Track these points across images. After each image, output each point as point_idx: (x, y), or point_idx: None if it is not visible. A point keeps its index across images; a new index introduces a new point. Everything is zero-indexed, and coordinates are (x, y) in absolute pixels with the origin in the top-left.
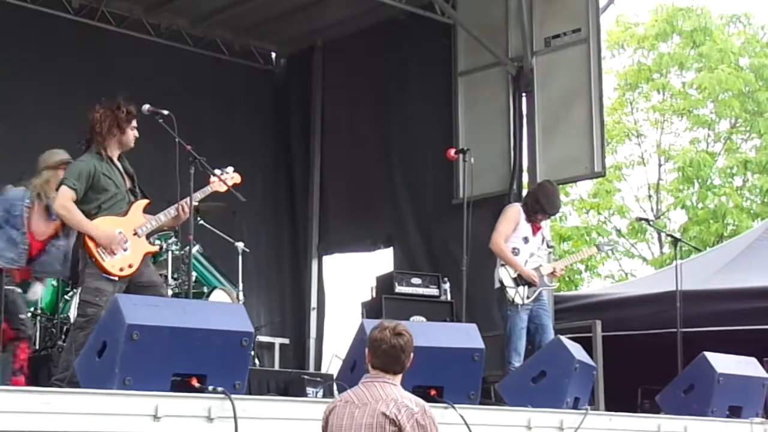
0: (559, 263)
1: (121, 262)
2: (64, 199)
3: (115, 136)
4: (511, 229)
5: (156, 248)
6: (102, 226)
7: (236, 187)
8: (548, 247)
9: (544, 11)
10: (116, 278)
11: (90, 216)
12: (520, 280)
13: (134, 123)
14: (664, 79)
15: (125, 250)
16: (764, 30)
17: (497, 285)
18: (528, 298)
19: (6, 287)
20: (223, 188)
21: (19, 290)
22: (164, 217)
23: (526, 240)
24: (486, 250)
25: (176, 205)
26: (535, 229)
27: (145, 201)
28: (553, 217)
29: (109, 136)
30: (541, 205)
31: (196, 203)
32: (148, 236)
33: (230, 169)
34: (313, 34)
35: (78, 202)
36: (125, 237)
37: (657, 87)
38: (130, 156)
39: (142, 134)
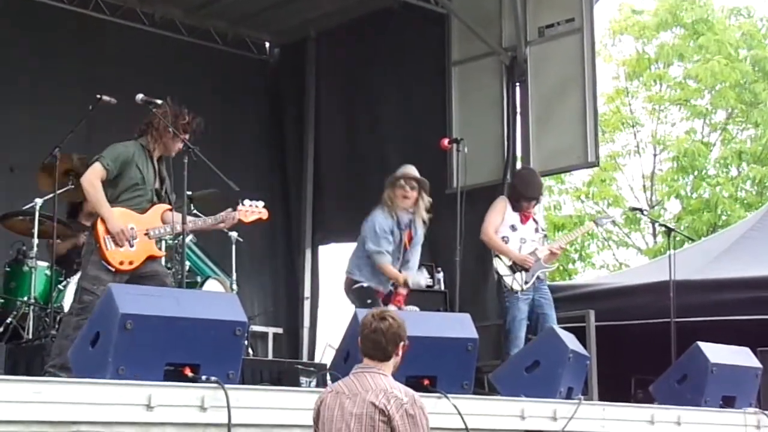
0: (556, 242)
1: (123, 255)
2: (94, 176)
3: (165, 137)
4: (499, 220)
5: (162, 254)
6: (118, 217)
7: (260, 222)
8: (542, 231)
9: (538, 1)
10: (113, 269)
11: (109, 200)
12: (516, 266)
13: (186, 136)
14: (661, 70)
15: (131, 246)
16: (763, 22)
17: (496, 277)
18: (526, 283)
19: None
20: (248, 219)
21: None
22: (179, 227)
23: (513, 228)
24: (480, 240)
25: (206, 218)
26: (524, 217)
27: (167, 206)
28: (546, 206)
29: (162, 133)
30: (518, 190)
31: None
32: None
33: (260, 203)
34: (306, 23)
35: (104, 183)
36: (135, 234)
37: (654, 77)
38: None
39: (136, 124)
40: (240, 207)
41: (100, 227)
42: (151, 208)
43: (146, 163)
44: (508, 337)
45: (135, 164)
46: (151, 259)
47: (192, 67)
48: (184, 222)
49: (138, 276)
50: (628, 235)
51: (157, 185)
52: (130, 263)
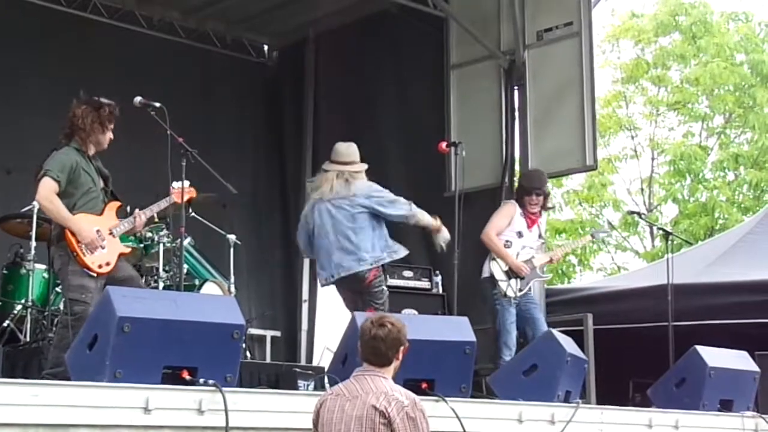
0: (553, 252)
1: (100, 259)
2: (49, 192)
3: (95, 134)
4: (505, 224)
5: (129, 250)
6: (83, 223)
7: (192, 201)
8: (541, 239)
9: (536, 4)
10: (95, 274)
11: (67, 209)
12: (512, 273)
13: (112, 125)
14: (660, 72)
15: (103, 248)
16: (761, 26)
17: (485, 275)
18: (521, 290)
19: None
20: (183, 199)
21: None
22: (135, 220)
23: (520, 234)
24: (478, 243)
25: (143, 211)
26: (531, 223)
27: (118, 203)
28: (549, 210)
29: (90, 132)
30: (524, 186)
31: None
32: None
33: (187, 183)
34: (304, 26)
35: (58, 195)
36: (103, 236)
37: (653, 79)
38: (124, 149)
39: (134, 126)
40: (172, 189)
41: (72, 238)
42: (106, 207)
43: (88, 164)
44: (498, 341)
45: (81, 168)
46: (121, 257)
47: (190, 69)
48: (183, 226)
49: (114, 279)
50: (626, 239)
51: (101, 184)
52: (107, 264)
